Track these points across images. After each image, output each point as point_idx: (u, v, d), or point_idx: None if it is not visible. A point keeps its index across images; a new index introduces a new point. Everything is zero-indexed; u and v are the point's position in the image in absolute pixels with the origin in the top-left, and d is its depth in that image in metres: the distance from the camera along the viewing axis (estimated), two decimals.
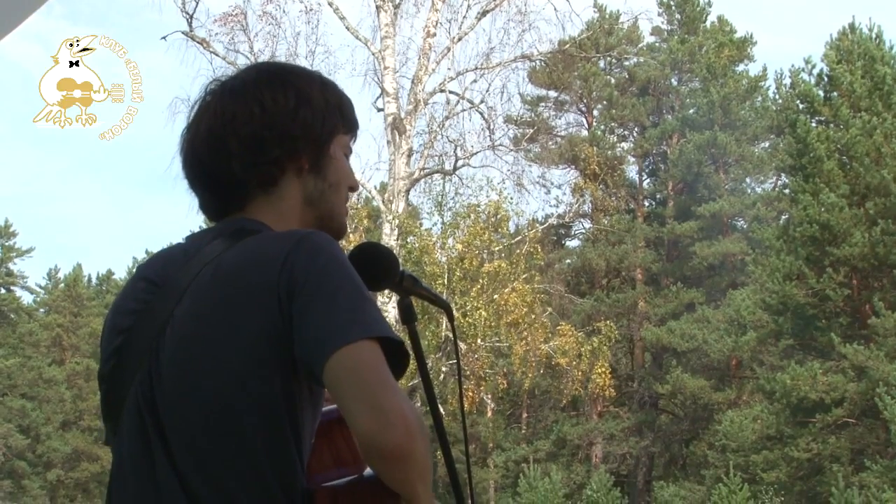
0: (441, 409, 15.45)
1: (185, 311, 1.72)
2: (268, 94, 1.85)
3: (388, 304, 16.03)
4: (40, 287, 54.29)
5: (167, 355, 1.71)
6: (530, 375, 23.51)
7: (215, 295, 1.70)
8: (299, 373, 1.67)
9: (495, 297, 20.61)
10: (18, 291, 52.53)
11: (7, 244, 51.29)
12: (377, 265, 1.91)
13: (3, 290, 51.35)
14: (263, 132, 1.83)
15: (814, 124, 28.82)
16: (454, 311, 2.30)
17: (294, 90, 1.88)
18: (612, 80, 44.20)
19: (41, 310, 53.57)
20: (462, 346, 19.68)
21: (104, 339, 1.84)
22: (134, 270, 1.93)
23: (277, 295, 1.65)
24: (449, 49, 19.23)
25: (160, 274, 1.81)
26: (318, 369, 1.61)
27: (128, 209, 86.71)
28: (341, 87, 1.98)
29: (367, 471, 1.74)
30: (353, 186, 1.98)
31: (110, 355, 1.80)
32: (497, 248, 21.29)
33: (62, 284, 53.40)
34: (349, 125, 1.97)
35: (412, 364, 1.82)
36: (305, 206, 1.89)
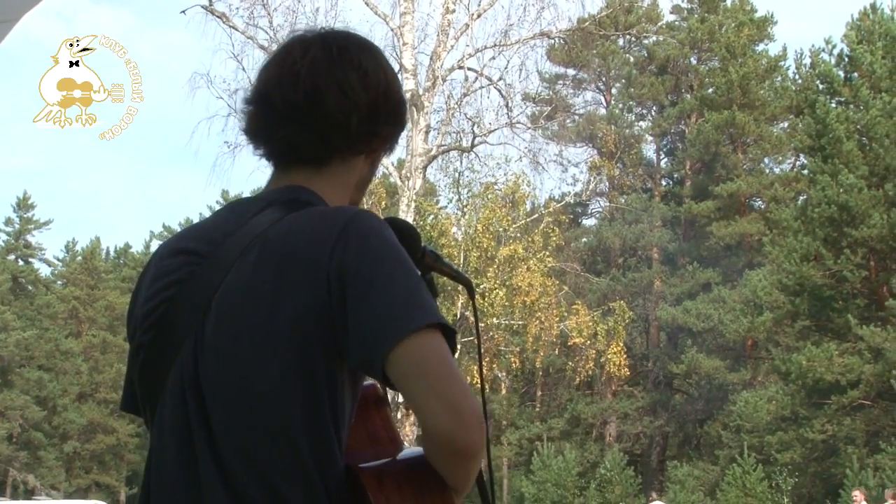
0: None
1: (233, 285, 1.67)
2: (371, 66, 1.81)
3: None
4: (58, 259, 54.75)
5: (211, 330, 1.67)
6: (542, 354, 23.49)
7: (263, 271, 1.65)
8: (344, 358, 1.62)
9: (512, 276, 20.58)
10: (36, 263, 53.01)
11: (26, 216, 51.55)
12: (399, 241, 1.88)
13: (21, 262, 51.64)
14: (373, 99, 1.78)
15: (833, 105, 28.66)
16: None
17: (385, 78, 1.83)
18: (631, 59, 44.09)
19: (59, 282, 53.88)
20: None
21: (138, 309, 1.77)
22: (160, 246, 1.85)
23: (327, 276, 1.61)
24: (468, 26, 19.16)
25: (204, 245, 1.75)
26: (379, 361, 1.56)
27: (146, 184, 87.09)
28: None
29: (403, 453, 1.73)
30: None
31: (150, 325, 1.73)
32: (514, 228, 21.22)
33: (80, 257, 53.63)
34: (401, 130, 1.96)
35: None
36: (356, 188, 1.86)
